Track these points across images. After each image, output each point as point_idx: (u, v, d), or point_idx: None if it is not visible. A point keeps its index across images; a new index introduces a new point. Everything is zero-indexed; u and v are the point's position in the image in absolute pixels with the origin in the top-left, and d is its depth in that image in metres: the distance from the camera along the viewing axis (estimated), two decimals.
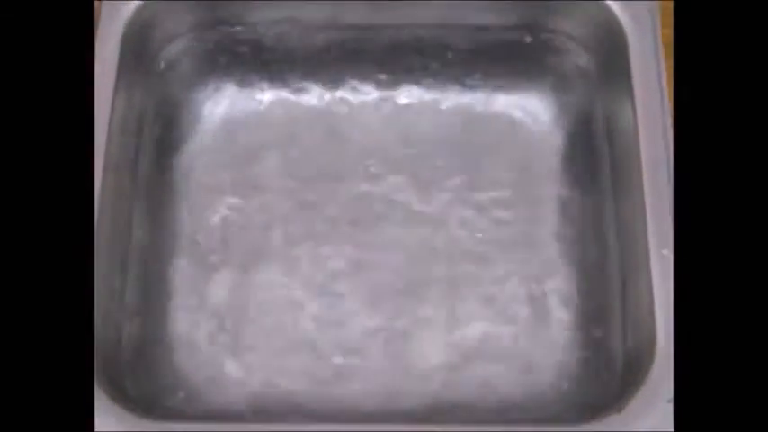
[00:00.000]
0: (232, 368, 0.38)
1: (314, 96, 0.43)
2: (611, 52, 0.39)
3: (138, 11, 0.39)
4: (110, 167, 0.37)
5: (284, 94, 0.43)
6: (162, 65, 0.41)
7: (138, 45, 0.39)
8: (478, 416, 0.37)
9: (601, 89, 0.41)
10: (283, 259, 0.40)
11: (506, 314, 0.39)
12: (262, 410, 0.37)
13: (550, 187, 0.41)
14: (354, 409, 0.37)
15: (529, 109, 0.42)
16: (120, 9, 0.38)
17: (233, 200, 0.41)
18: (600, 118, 0.41)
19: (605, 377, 0.36)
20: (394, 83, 0.43)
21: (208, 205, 0.41)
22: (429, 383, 0.38)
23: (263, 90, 0.43)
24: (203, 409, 0.37)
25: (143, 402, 0.34)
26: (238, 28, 0.41)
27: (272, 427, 0.34)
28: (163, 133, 0.41)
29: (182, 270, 0.40)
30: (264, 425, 0.35)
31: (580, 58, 0.41)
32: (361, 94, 0.43)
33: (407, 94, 0.43)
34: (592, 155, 0.41)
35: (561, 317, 0.39)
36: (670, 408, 0.32)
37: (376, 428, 0.34)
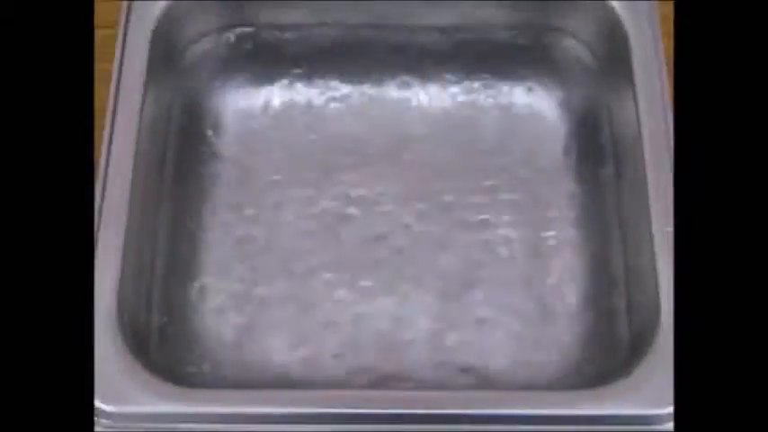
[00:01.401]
0: (255, 343, 0.39)
1: (323, 92, 0.43)
2: (612, 49, 0.40)
3: (166, 12, 0.40)
4: (140, 159, 0.38)
5: (294, 90, 0.43)
6: (188, 62, 0.42)
7: (165, 44, 0.40)
8: (490, 382, 0.38)
9: (603, 85, 0.42)
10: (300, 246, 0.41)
11: (519, 293, 0.39)
12: (286, 382, 0.38)
13: (556, 178, 0.42)
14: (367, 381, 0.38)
15: (535, 105, 0.43)
16: (149, 9, 0.39)
17: (249, 187, 0.42)
18: (603, 112, 0.42)
19: (611, 350, 0.37)
20: (404, 80, 0.43)
21: (229, 191, 0.42)
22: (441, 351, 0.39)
23: (277, 85, 0.43)
24: (228, 380, 0.38)
25: (170, 373, 0.35)
26: (254, 31, 0.42)
27: (295, 395, 0.35)
28: (188, 125, 0.42)
29: (208, 248, 0.40)
30: (288, 391, 0.36)
31: (584, 56, 0.42)
32: (372, 91, 0.43)
33: (417, 92, 0.43)
34: (595, 145, 0.42)
35: (570, 296, 0.39)
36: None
37: (390, 394, 0.35)
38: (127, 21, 0.39)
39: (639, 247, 0.36)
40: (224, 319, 0.39)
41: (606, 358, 0.37)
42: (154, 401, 0.33)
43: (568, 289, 0.40)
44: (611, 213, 0.40)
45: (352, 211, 0.41)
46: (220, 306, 0.39)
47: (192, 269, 0.40)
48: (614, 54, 0.40)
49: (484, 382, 0.38)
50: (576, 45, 0.42)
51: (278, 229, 0.41)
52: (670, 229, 0.35)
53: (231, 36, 0.42)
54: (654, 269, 0.35)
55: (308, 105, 0.43)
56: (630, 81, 0.38)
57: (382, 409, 0.33)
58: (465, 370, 0.38)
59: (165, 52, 0.40)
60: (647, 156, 0.37)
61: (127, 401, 0.33)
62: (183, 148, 0.42)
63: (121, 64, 0.39)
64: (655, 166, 0.37)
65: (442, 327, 0.39)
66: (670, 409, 0.33)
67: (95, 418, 0.33)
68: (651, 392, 0.33)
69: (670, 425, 0.33)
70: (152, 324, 0.38)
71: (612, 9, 0.39)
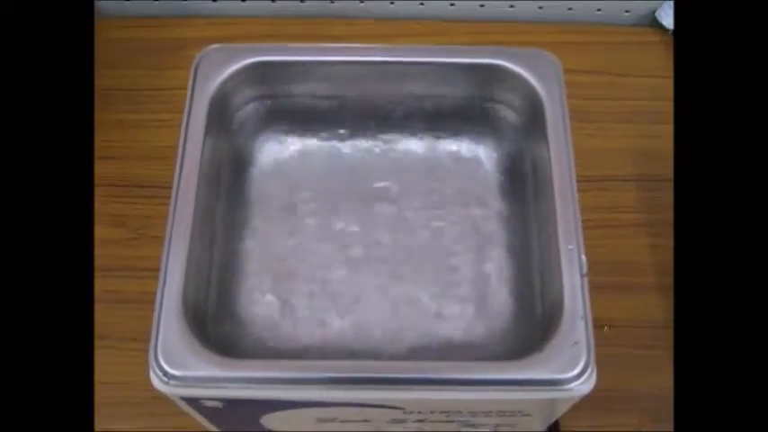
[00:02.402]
0: (289, 326, 0.36)
1: (330, 146, 0.41)
2: (532, 113, 0.38)
3: (220, 86, 0.37)
4: (201, 190, 0.35)
5: (313, 142, 0.41)
6: (235, 124, 0.39)
7: (220, 108, 0.38)
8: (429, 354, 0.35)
9: (526, 138, 0.39)
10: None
11: (459, 286, 0.37)
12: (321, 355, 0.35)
13: (491, 203, 0.39)
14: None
15: (477, 152, 0.41)
16: (208, 83, 0.37)
17: (281, 209, 0.39)
18: (526, 158, 0.39)
19: (530, 330, 0.35)
20: (386, 135, 0.41)
21: (266, 213, 0.39)
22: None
23: (298, 138, 0.41)
24: (267, 354, 0.36)
25: (220, 347, 0.32)
26: (284, 99, 0.40)
27: (322, 364, 0.33)
28: (235, 166, 0.40)
29: (252, 254, 0.38)
30: (317, 361, 0.34)
31: (512, 118, 0.39)
32: (365, 143, 0.41)
33: (395, 143, 0.41)
34: (520, 182, 0.39)
35: (500, 289, 0.37)
36: (575, 348, 0.31)
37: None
38: (193, 90, 0.37)
39: (550, 256, 0.34)
40: (263, 307, 0.37)
41: (525, 336, 0.35)
42: (207, 368, 0.31)
43: (498, 282, 0.37)
44: (532, 226, 0.38)
45: (357, 228, 0.39)
46: (261, 297, 0.37)
47: (239, 270, 0.38)
48: (533, 116, 0.38)
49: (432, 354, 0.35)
50: (506, 110, 0.39)
51: (305, 239, 0.38)
52: (572, 246, 0.33)
53: (267, 103, 0.40)
54: (560, 272, 0.33)
55: (318, 154, 0.41)
56: (544, 134, 0.36)
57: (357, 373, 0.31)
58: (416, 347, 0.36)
59: (220, 114, 0.37)
60: (555, 188, 0.35)
61: (187, 368, 0.31)
62: (232, 181, 0.39)
63: (188, 121, 0.36)
64: (561, 197, 0.34)
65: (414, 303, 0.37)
66: (573, 373, 0.31)
67: (167, 380, 0.31)
68: (559, 362, 0.31)
69: (572, 385, 0.31)
70: (208, 311, 0.35)
71: (533, 85, 0.37)
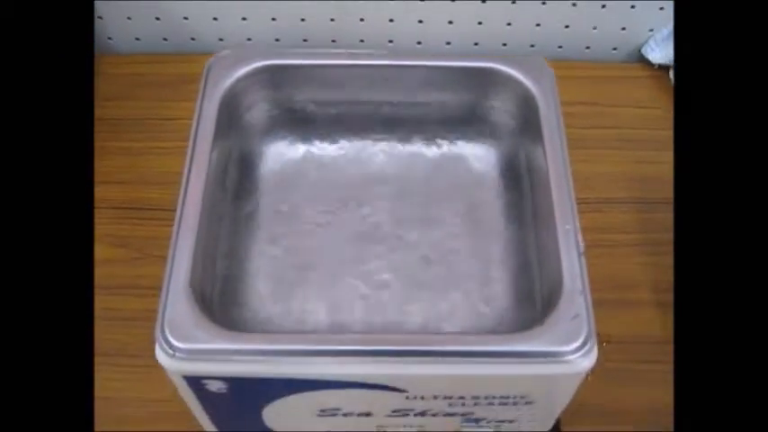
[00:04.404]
0: (290, 307, 0.37)
1: (334, 148, 0.43)
2: (528, 116, 0.40)
3: (231, 87, 0.39)
4: (209, 185, 0.36)
5: (316, 145, 0.43)
6: (244, 123, 0.41)
7: (228, 110, 0.39)
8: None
9: (522, 140, 0.41)
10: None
11: (461, 271, 0.38)
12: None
13: (490, 199, 0.41)
14: None
15: (476, 154, 0.42)
16: (219, 84, 0.39)
17: (283, 204, 0.41)
18: (522, 158, 0.41)
19: (531, 310, 0.36)
20: (388, 140, 0.43)
21: (269, 208, 0.40)
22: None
23: (302, 141, 0.43)
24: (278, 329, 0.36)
25: (225, 323, 0.33)
26: (290, 101, 0.42)
27: (319, 337, 0.34)
28: (242, 166, 0.41)
29: (254, 242, 0.39)
30: (315, 334, 0.34)
31: (509, 121, 0.41)
32: (366, 146, 0.43)
33: (397, 147, 0.43)
34: (517, 180, 0.41)
35: (500, 272, 0.38)
36: (575, 321, 0.32)
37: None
38: (204, 91, 0.39)
39: (548, 237, 0.35)
40: (266, 289, 0.38)
41: (526, 315, 0.36)
42: (213, 341, 0.32)
43: (501, 263, 0.38)
44: (529, 216, 0.39)
45: (360, 226, 0.40)
46: (263, 282, 0.38)
47: (242, 255, 0.39)
48: (529, 118, 0.39)
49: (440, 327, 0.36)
50: (503, 113, 0.41)
51: (304, 232, 0.40)
52: (569, 227, 0.34)
53: (274, 107, 0.41)
54: (558, 252, 0.34)
55: (323, 155, 0.43)
56: (540, 135, 0.38)
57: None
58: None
59: (228, 115, 0.39)
60: (551, 177, 0.36)
61: (193, 340, 0.32)
62: (239, 180, 0.41)
63: (198, 122, 0.38)
64: (557, 184, 0.36)
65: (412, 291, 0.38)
66: (572, 347, 0.31)
67: (173, 353, 0.31)
68: (560, 335, 0.32)
69: (573, 357, 0.31)
70: (214, 291, 0.36)
71: (528, 88, 0.39)
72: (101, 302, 0.51)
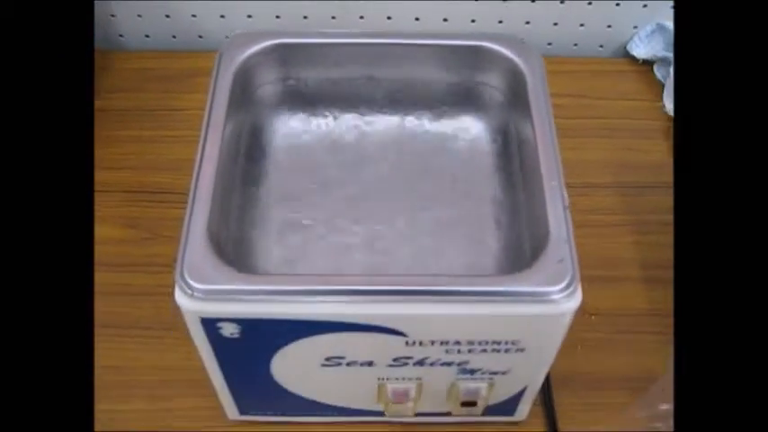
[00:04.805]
0: (298, 257, 0.40)
1: (340, 122, 0.45)
2: (517, 90, 0.42)
3: (243, 63, 0.42)
4: (223, 156, 0.39)
5: (323, 120, 0.45)
6: (256, 99, 0.44)
7: (242, 85, 0.42)
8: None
9: (512, 114, 0.44)
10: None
11: (453, 226, 0.41)
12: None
13: (483, 169, 0.43)
14: None
15: (468, 129, 0.45)
16: (233, 61, 0.42)
17: (290, 175, 0.43)
18: (512, 130, 0.44)
19: (520, 259, 0.39)
20: (387, 113, 0.45)
21: (278, 177, 0.43)
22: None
23: (310, 116, 0.45)
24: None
25: (238, 266, 0.35)
26: (300, 79, 0.44)
27: (325, 278, 0.36)
28: (253, 140, 0.44)
29: (264, 204, 0.42)
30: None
31: (499, 96, 0.44)
32: (369, 120, 0.45)
33: (395, 121, 0.45)
34: (507, 152, 0.44)
35: (491, 226, 0.41)
36: (561, 265, 0.34)
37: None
38: (218, 67, 0.41)
39: (534, 193, 0.38)
40: (274, 244, 0.40)
41: (517, 259, 0.39)
42: (231, 281, 0.34)
43: (494, 220, 0.41)
44: (518, 180, 0.42)
45: (360, 190, 0.43)
46: (273, 234, 0.41)
47: (253, 216, 0.41)
48: (517, 93, 0.42)
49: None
50: (493, 90, 0.44)
51: (308, 192, 0.42)
52: (555, 183, 0.37)
53: (284, 83, 0.44)
54: (544, 206, 0.36)
55: (328, 129, 0.45)
56: (528, 109, 0.40)
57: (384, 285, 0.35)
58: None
59: (242, 91, 0.42)
60: (538, 141, 0.39)
61: (211, 282, 0.34)
62: (250, 152, 0.43)
63: (213, 96, 0.41)
64: (543, 146, 0.38)
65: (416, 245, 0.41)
66: (557, 287, 0.34)
67: (191, 293, 0.34)
68: (546, 276, 0.34)
69: (559, 297, 0.34)
70: (229, 239, 0.39)
71: (516, 64, 0.42)
72: (114, 279, 0.54)
